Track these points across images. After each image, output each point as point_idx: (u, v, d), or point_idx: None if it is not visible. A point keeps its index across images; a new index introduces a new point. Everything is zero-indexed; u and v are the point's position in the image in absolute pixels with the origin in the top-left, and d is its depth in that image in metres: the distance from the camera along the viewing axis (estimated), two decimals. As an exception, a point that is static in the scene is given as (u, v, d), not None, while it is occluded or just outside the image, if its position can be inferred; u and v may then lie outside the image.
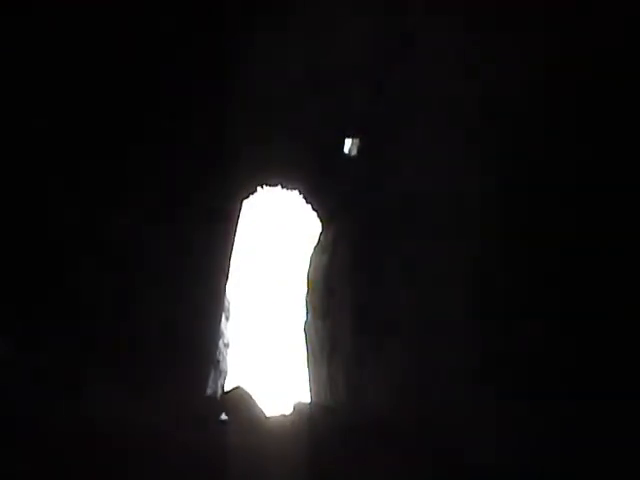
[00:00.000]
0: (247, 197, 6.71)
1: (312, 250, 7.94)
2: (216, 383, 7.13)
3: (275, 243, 13.26)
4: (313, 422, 5.88)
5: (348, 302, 6.70)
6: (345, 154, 6.18)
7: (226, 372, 7.57)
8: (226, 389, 6.88)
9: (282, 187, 7.02)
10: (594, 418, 4.07)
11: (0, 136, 5.01)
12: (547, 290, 4.68)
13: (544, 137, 4.77)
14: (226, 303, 7.18)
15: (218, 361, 7.24)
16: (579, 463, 4.05)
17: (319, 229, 7.58)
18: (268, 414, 6.24)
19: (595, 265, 4.27)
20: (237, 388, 6.43)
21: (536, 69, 4.74)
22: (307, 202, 7.07)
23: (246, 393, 6.33)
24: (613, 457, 3.81)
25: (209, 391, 6.78)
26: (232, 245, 6.77)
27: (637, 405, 3.82)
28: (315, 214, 7.32)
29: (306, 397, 7.96)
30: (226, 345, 7.58)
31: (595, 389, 4.17)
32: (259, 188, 6.88)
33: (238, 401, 6.21)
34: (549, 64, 4.65)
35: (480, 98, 5.28)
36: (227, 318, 7.48)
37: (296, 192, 7.10)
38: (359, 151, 6.33)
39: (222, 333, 7.26)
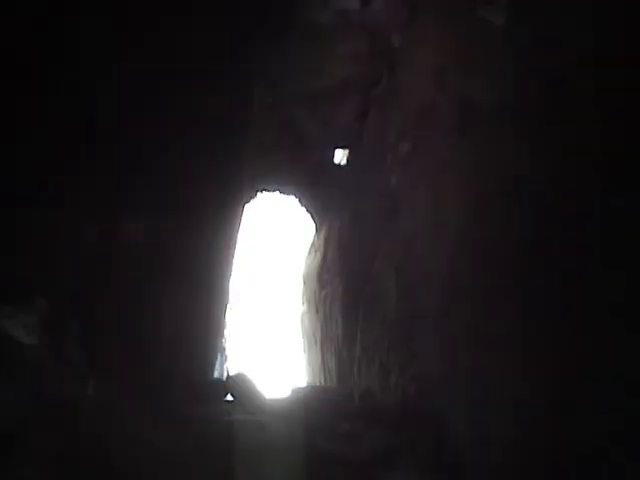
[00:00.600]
0: (248, 201, 6.92)
1: (307, 249, 8.28)
2: (222, 367, 7.42)
3: (273, 243, 13.25)
4: (308, 401, 6.27)
5: (338, 295, 7.07)
6: (336, 163, 6.50)
7: (230, 358, 7.85)
8: (230, 374, 7.14)
9: (280, 192, 7.26)
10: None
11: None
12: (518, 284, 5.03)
13: (522, 141, 4.95)
14: (230, 297, 7.44)
15: (223, 348, 7.55)
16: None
17: (313, 230, 7.89)
18: (268, 396, 6.50)
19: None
20: (240, 373, 6.73)
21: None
22: (302, 206, 7.30)
23: (248, 378, 6.57)
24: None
25: (216, 374, 7.10)
26: (235, 245, 7.06)
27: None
28: (309, 216, 7.57)
29: (303, 382, 8.31)
30: (230, 334, 7.85)
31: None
32: (259, 193, 7.12)
33: (241, 384, 6.44)
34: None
35: (458, 108, 5.63)
36: (231, 310, 7.71)
37: (292, 197, 7.36)
38: (348, 160, 6.62)
39: (226, 324, 7.54)
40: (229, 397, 6.34)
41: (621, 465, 3.60)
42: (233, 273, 7.26)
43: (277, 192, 7.20)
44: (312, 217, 7.53)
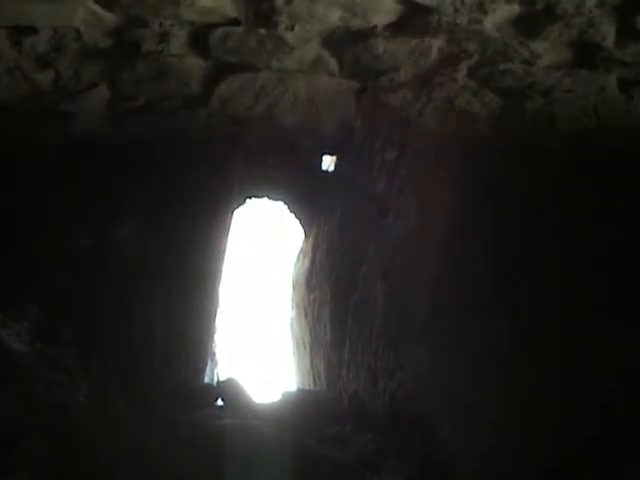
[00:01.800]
0: (237, 208, 6.94)
1: (296, 254, 8.30)
2: (212, 372, 7.43)
3: (263, 248, 13.25)
4: (297, 405, 6.30)
5: (327, 300, 7.08)
6: (323, 170, 6.52)
7: (221, 363, 7.86)
8: (221, 379, 7.17)
9: (269, 198, 7.27)
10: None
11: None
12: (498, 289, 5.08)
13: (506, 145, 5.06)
14: (220, 302, 7.45)
15: (214, 353, 7.56)
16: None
17: (302, 236, 7.90)
18: (258, 401, 6.52)
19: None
20: (230, 378, 6.75)
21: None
22: (291, 212, 7.31)
23: (238, 383, 6.59)
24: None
25: (207, 379, 7.11)
26: (224, 251, 7.07)
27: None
28: (298, 222, 7.59)
29: (292, 386, 8.33)
30: (220, 339, 7.86)
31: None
32: (248, 200, 7.12)
33: (232, 389, 6.47)
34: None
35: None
36: (221, 315, 7.71)
37: (281, 203, 7.36)
38: (336, 167, 6.65)
39: (217, 329, 7.56)
40: (219, 402, 6.36)
41: (601, 468, 3.67)
42: (223, 278, 7.27)
43: (266, 198, 7.22)
44: (301, 223, 7.56)
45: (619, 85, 3.78)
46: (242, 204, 7.04)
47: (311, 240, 7.52)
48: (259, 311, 12.78)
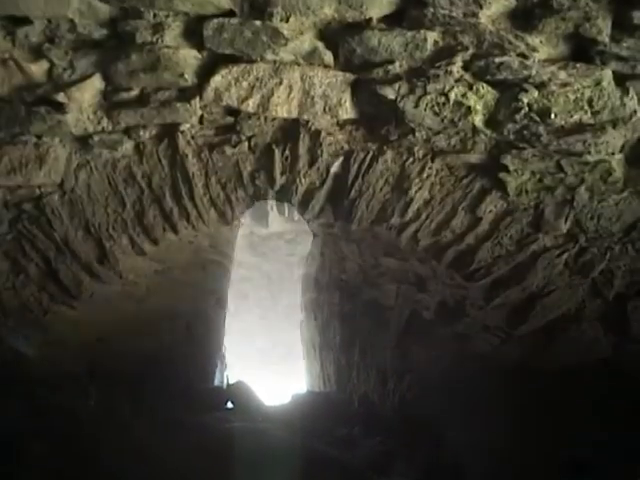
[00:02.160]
0: (245, 210, 6.91)
1: (305, 258, 8.27)
2: (222, 375, 7.44)
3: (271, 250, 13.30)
4: (307, 407, 6.28)
5: (336, 301, 7.04)
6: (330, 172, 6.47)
7: (230, 366, 7.88)
8: (230, 381, 7.16)
9: (276, 200, 7.23)
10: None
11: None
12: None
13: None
14: (229, 304, 7.45)
15: (224, 356, 7.57)
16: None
17: (311, 237, 7.86)
18: (268, 403, 6.61)
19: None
20: (240, 381, 6.78)
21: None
22: (299, 213, 7.29)
23: (247, 385, 6.66)
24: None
25: (216, 382, 7.11)
26: (233, 251, 7.03)
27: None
28: (307, 223, 7.55)
29: (303, 388, 8.33)
30: (230, 342, 7.87)
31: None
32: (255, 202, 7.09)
33: (241, 392, 6.52)
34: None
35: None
36: (231, 317, 7.73)
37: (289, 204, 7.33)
38: (343, 169, 6.60)
39: (226, 331, 7.57)
40: (229, 404, 6.38)
41: (607, 470, 3.63)
42: (232, 279, 7.24)
43: (274, 200, 7.18)
44: (310, 226, 7.53)
45: (615, 78, 3.75)
46: (250, 206, 7.03)
47: (319, 243, 7.49)
48: (269, 313, 12.82)
